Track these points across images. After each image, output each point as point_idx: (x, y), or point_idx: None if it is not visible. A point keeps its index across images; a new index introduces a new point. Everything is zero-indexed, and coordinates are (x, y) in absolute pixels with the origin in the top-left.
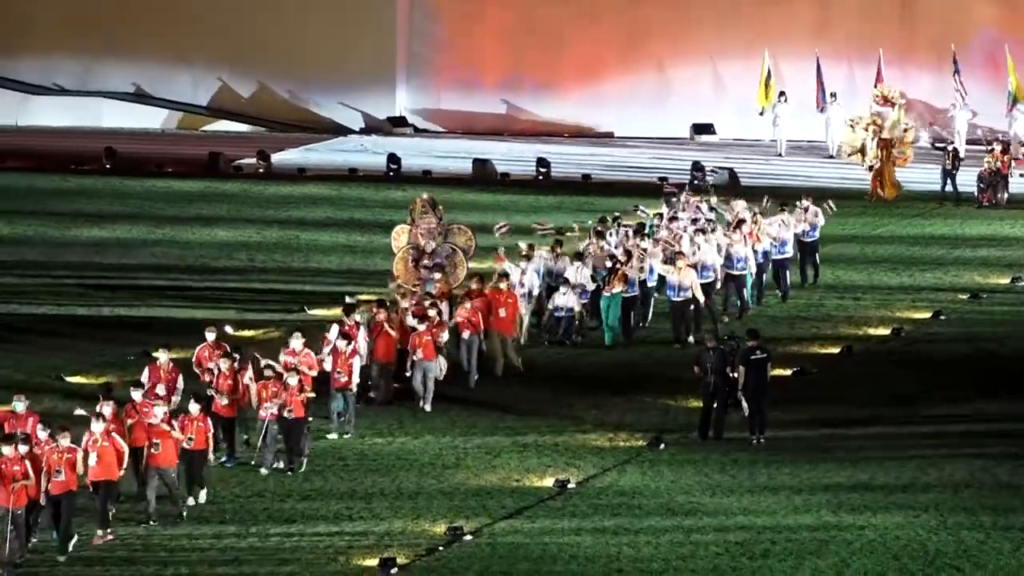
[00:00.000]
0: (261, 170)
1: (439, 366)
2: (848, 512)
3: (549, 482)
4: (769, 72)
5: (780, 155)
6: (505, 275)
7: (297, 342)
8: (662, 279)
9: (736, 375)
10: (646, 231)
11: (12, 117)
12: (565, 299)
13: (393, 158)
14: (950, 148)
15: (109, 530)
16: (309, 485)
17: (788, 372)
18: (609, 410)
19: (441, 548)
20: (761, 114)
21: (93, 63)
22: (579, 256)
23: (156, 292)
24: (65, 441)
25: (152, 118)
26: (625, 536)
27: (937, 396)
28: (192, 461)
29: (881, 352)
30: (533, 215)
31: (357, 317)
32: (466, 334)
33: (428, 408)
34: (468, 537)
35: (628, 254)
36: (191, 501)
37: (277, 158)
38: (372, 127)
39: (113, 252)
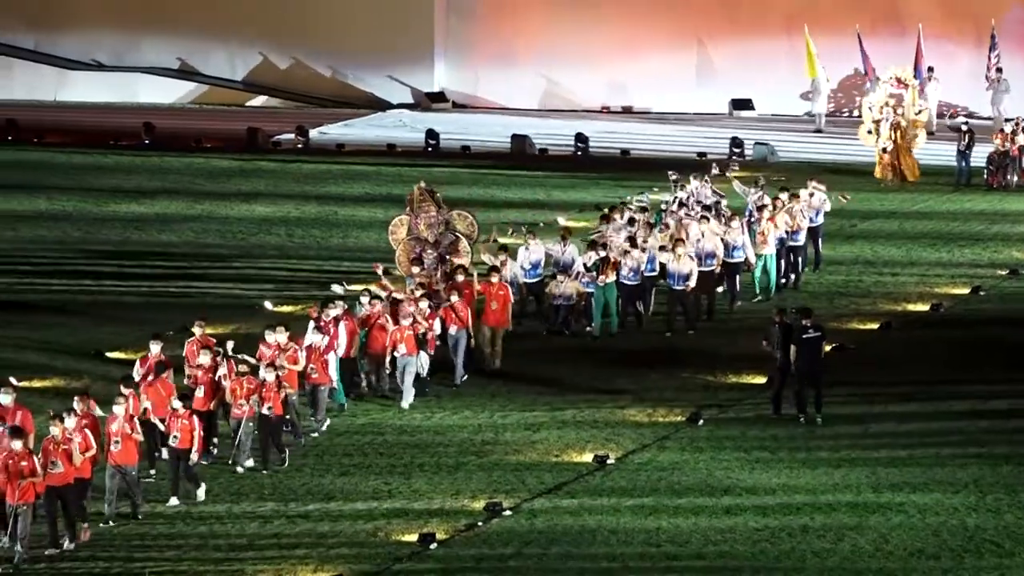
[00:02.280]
0: (299, 146)
1: (420, 362)
2: (887, 488)
3: (588, 458)
4: (813, 53)
5: (819, 130)
6: (495, 268)
7: (281, 336)
8: (664, 266)
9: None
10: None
11: (51, 92)
12: (563, 288)
13: (432, 134)
14: (964, 128)
15: (85, 525)
16: (348, 461)
17: (827, 348)
18: (648, 386)
19: (480, 524)
20: (814, 86)
21: (131, 38)
22: (592, 245)
23: (195, 268)
24: (56, 431)
25: (190, 93)
26: (664, 512)
27: (976, 372)
28: (178, 460)
29: (920, 328)
30: (571, 190)
31: (334, 312)
32: (453, 329)
33: (405, 406)
34: (507, 513)
35: (632, 241)
36: (174, 501)
37: (315, 134)
38: (418, 102)
39: (152, 228)
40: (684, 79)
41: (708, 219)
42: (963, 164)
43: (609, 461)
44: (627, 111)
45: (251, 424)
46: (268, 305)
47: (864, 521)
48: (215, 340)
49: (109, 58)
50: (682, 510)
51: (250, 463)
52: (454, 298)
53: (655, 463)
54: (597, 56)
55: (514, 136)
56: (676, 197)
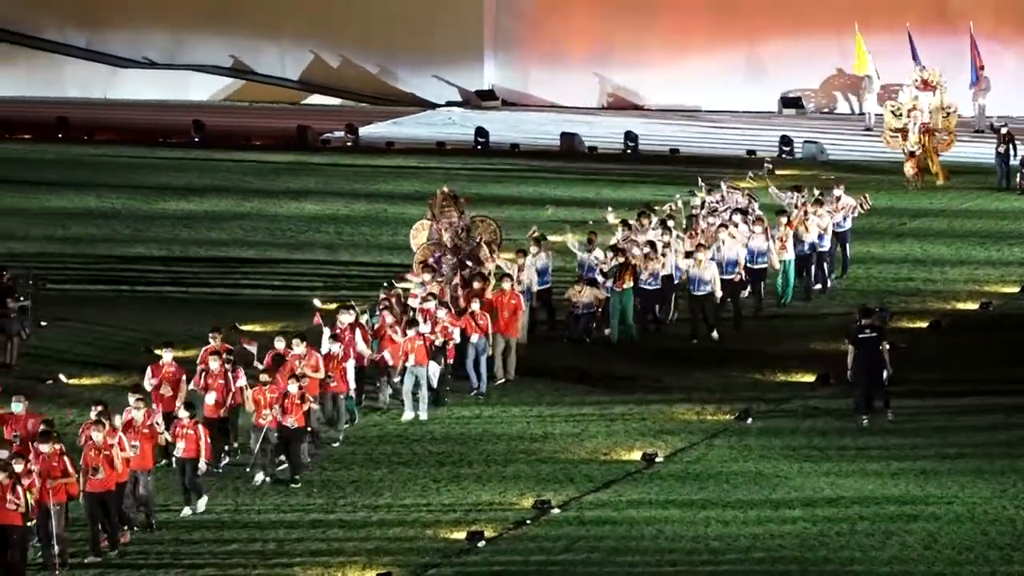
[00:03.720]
0: (349, 143)
1: (432, 372)
2: (936, 486)
3: (637, 456)
4: (864, 51)
5: (868, 129)
6: (507, 276)
7: (300, 347)
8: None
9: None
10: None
11: (102, 90)
12: (582, 296)
13: (481, 131)
14: (1004, 131)
15: (125, 527)
16: (397, 459)
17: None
18: (696, 384)
19: (528, 522)
20: (872, 81)
21: (182, 36)
22: (614, 249)
23: (244, 266)
24: (99, 437)
25: (240, 91)
26: (713, 510)
27: None
28: (184, 469)
29: (969, 326)
30: (620, 189)
31: (348, 319)
32: (474, 337)
33: (424, 416)
34: (555, 511)
35: (652, 245)
36: (187, 511)
37: (365, 131)
38: (466, 100)
39: (201, 225)
40: (734, 76)
41: (736, 224)
42: (1002, 166)
43: (658, 459)
44: (637, 108)
45: (274, 434)
46: (317, 303)
47: (912, 520)
48: (231, 349)
49: (160, 56)
50: (730, 509)
51: (265, 477)
52: (474, 306)
53: (704, 461)
54: (646, 54)
55: (563, 134)
56: (704, 201)
